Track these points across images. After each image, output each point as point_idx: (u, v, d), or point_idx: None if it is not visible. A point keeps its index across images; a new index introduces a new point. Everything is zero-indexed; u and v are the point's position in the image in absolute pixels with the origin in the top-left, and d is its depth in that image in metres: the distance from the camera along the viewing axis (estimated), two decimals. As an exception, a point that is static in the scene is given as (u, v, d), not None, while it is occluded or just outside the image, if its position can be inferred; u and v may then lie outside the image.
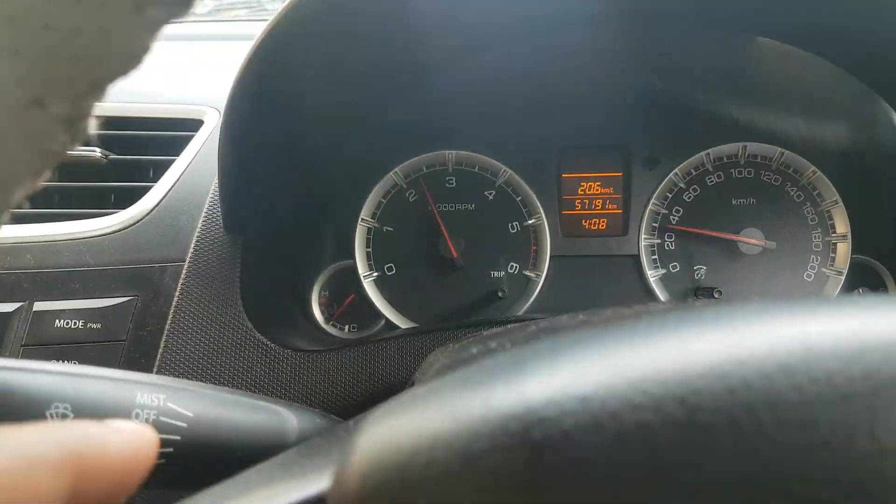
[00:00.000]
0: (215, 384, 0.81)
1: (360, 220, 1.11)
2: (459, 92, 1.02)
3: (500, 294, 1.06)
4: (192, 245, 0.88)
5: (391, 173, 1.12)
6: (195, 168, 0.97)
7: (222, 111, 0.80)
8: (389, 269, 1.11)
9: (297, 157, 0.97)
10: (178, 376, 0.81)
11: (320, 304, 1.10)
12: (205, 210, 0.91)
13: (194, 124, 1.01)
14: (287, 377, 0.82)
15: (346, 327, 1.11)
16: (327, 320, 1.10)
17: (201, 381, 0.81)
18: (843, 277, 1.06)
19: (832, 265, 1.08)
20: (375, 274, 1.11)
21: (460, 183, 1.12)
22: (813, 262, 1.08)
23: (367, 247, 1.12)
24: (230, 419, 0.50)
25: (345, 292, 1.10)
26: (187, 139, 1.00)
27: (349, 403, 0.80)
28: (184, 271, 0.86)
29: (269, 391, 0.80)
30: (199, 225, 0.89)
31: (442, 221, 1.09)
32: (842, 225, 1.08)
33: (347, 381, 0.81)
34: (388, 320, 1.10)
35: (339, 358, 0.83)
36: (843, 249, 1.07)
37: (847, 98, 0.99)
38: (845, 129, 1.08)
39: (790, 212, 1.09)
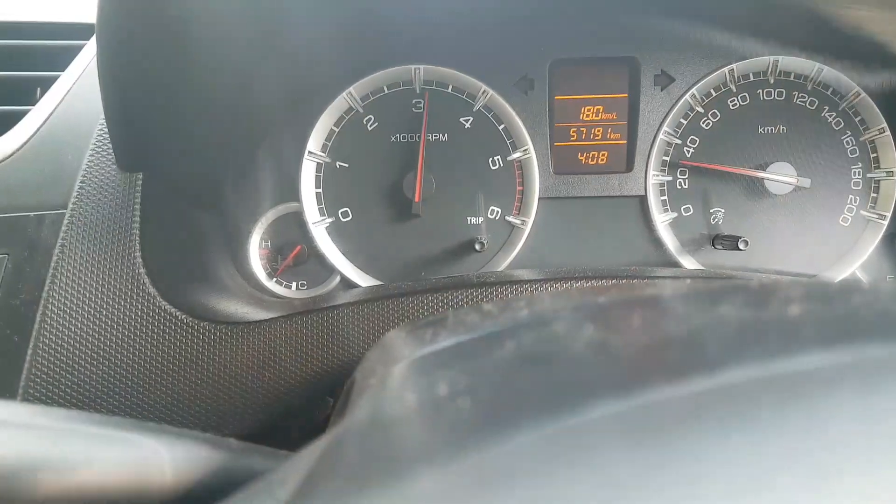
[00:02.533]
0: (106, 371, 0.62)
1: (306, 153, 0.90)
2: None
3: (477, 247, 0.87)
4: (76, 187, 0.67)
5: (344, 94, 0.90)
6: (86, 86, 0.75)
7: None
8: (344, 213, 0.92)
9: (214, 70, 0.75)
10: (59, 359, 0.62)
11: (261, 257, 0.91)
12: (93, 141, 0.70)
13: (85, 30, 0.79)
14: (203, 359, 0.63)
15: (294, 284, 0.92)
16: (270, 276, 0.91)
17: (89, 367, 0.62)
18: (886, 223, 0.89)
19: (874, 207, 0.90)
20: (328, 220, 0.91)
21: (430, 107, 0.91)
22: (851, 203, 0.91)
23: (317, 187, 0.91)
24: (63, 458, 0.33)
25: (290, 242, 0.91)
26: (76, 50, 0.78)
27: (282, 397, 0.63)
28: (65, 221, 0.66)
29: (176, 380, 0.62)
30: (86, 161, 0.68)
31: (399, 157, 0.89)
32: (888, 158, 0.90)
33: (279, 367, 0.63)
34: (342, 275, 0.91)
35: (271, 332, 0.65)
36: (888, 188, 0.90)
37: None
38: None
39: (827, 142, 0.91)
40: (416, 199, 0.88)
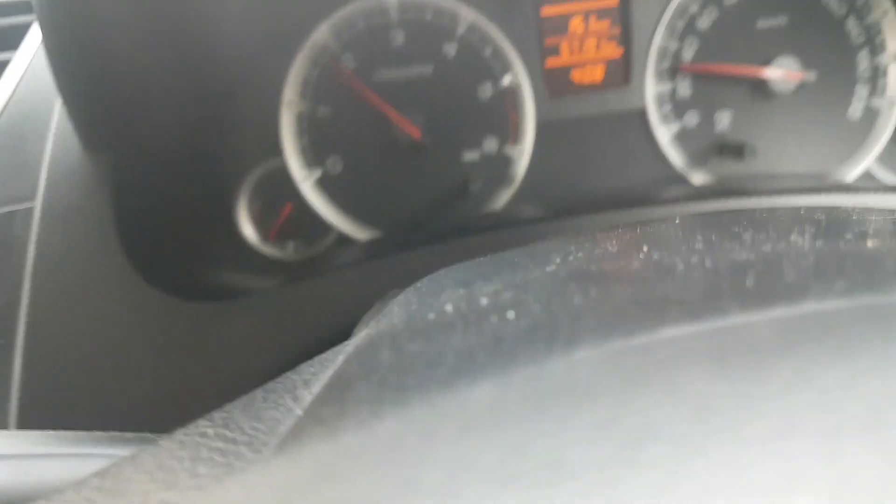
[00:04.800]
0: (101, 366, 0.59)
1: (284, 102, 0.84)
2: None
3: (472, 187, 0.83)
4: (43, 176, 0.61)
5: (317, 32, 0.83)
6: (42, 66, 0.68)
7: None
8: (334, 164, 0.86)
9: (175, 22, 0.68)
10: (51, 359, 0.58)
11: (253, 220, 0.86)
12: (54, 124, 0.63)
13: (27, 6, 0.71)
14: (202, 342, 0.60)
15: (291, 244, 0.88)
16: (265, 240, 0.86)
17: (83, 363, 0.59)
18: (897, 109, 0.86)
19: (883, 94, 0.86)
20: (316, 172, 0.86)
21: (410, 38, 0.84)
22: (860, 93, 0.87)
23: (301, 138, 0.86)
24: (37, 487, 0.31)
25: (281, 201, 0.86)
26: (25, 28, 0.70)
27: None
28: (36, 214, 0.60)
29: (175, 368, 0.59)
30: (49, 147, 0.62)
31: (384, 96, 0.82)
32: (895, 42, 0.85)
33: (283, 341, 0.61)
34: (339, 231, 0.87)
35: (270, 304, 0.62)
36: (898, 73, 0.86)
37: None
38: None
39: (830, 30, 0.86)
40: (418, 136, 0.82)
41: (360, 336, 0.29)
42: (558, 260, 0.31)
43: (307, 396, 0.24)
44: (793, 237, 0.30)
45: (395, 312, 0.31)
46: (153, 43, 0.68)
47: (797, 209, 0.37)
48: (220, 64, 0.78)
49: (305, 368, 0.27)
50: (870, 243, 0.29)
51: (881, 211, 0.36)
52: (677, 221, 0.38)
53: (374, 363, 0.23)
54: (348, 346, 0.28)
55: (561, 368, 0.18)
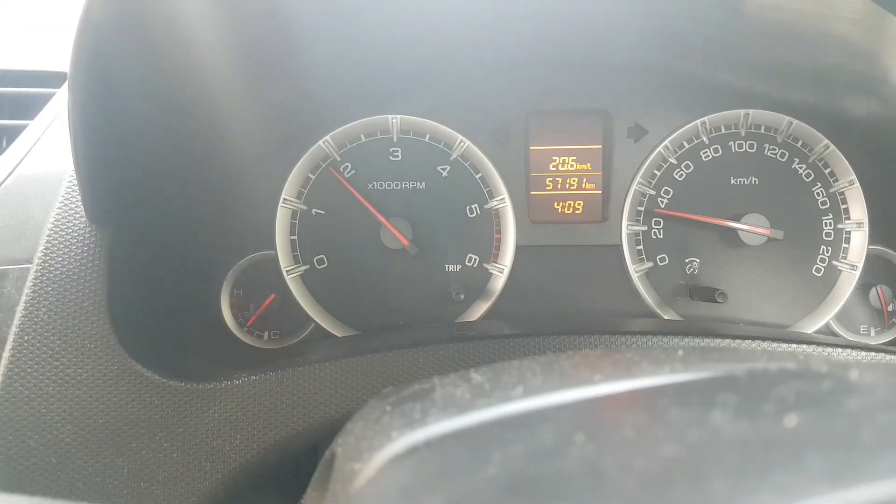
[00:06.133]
0: (72, 434, 0.60)
1: (281, 200, 0.89)
2: (403, 40, 0.80)
3: (455, 296, 0.87)
4: (43, 240, 0.65)
5: (321, 142, 0.90)
6: (55, 136, 0.75)
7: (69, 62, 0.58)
8: (320, 261, 0.91)
9: (186, 119, 0.75)
10: (24, 422, 0.60)
11: (231, 307, 0.89)
12: (62, 193, 0.68)
13: (54, 79, 0.78)
14: (172, 421, 0.61)
15: (266, 334, 0.90)
16: (241, 326, 0.89)
17: (55, 430, 0.60)
18: (858, 273, 0.90)
19: (845, 258, 0.91)
20: (303, 267, 0.90)
21: (407, 156, 0.92)
22: (823, 253, 0.92)
23: (292, 234, 0.90)
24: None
25: (264, 291, 0.89)
26: (45, 98, 0.77)
27: (253, 461, 0.61)
28: (30, 276, 0.64)
29: (144, 442, 0.60)
30: (53, 213, 0.67)
31: (377, 205, 0.88)
32: (857, 210, 0.91)
33: (251, 429, 0.62)
34: (317, 324, 0.89)
35: (243, 392, 0.63)
36: (859, 239, 0.91)
37: (865, 61, 0.81)
38: (863, 98, 0.90)
39: (798, 194, 0.92)
40: (406, 244, 0.87)
41: None
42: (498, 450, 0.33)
43: None
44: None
45: None
46: (171, 134, 0.74)
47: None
48: (229, 160, 0.84)
49: None
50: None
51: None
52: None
53: None
54: None
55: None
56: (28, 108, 0.77)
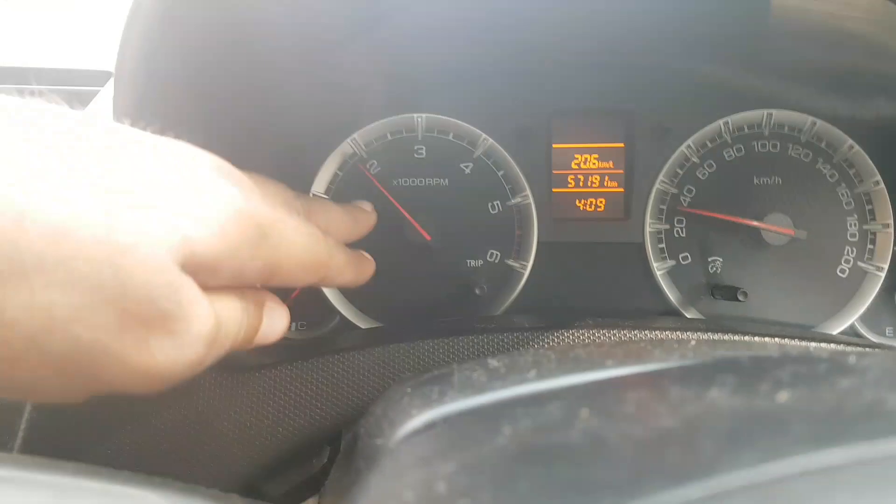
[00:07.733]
0: (104, 421, 0.62)
1: (310, 195, 0.92)
2: (428, 40, 0.82)
3: (477, 291, 0.88)
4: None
5: (348, 140, 0.93)
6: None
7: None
8: (346, 255, 0.93)
9: (224, 120, 0.78)
10: (58, 408, 0.62)
11: (262, 297, 0.92)
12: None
13: (99, 77, 0.82)
14: (201, 407, 0.63)
15: (294, 325, 0.92)
16: (270, 316, 0.91)
17: (88, 416, 0.62)
18: (884, 275, 0.89)
19: (871, 259, 0.91)
20: (329, 261, 0.92)
21: (431, 153, 0.94)
22: (848, 254, 0.91)
23: (320, 228, 0.93)
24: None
25: (291, 283, 0.92)
26: (90, 96, 0.81)
27: (280, 445, 0.63)
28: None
29: (174, 428, 0.62)
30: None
31: (401, 200, 0.90)
32: (883, 211, 0.91)
33: (278, 414, 0.63)
34: (342, 316, 0.92)
35: (271, 378, 0.65)
36: (884, 240, 0.90)
37: (887, 61, 0.81)
38: (886, 98, 0.90)
39: (822, 194, 0.92)
40: (428, 238, 0.89)
41: None
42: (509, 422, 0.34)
43: None
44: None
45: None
46: (207, 133, 0.77)
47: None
48: (260, 153, 0.87)
49: None
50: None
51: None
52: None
53: None
54: None
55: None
56: (71, 106, 0.81)
